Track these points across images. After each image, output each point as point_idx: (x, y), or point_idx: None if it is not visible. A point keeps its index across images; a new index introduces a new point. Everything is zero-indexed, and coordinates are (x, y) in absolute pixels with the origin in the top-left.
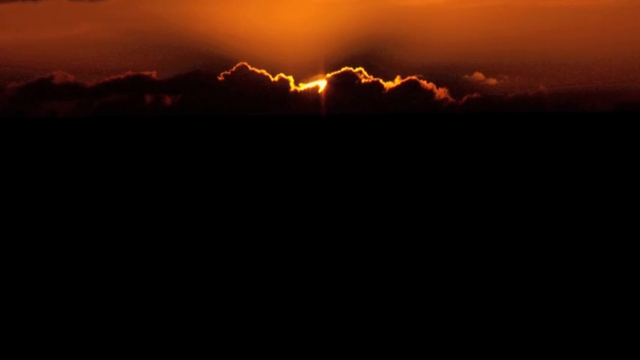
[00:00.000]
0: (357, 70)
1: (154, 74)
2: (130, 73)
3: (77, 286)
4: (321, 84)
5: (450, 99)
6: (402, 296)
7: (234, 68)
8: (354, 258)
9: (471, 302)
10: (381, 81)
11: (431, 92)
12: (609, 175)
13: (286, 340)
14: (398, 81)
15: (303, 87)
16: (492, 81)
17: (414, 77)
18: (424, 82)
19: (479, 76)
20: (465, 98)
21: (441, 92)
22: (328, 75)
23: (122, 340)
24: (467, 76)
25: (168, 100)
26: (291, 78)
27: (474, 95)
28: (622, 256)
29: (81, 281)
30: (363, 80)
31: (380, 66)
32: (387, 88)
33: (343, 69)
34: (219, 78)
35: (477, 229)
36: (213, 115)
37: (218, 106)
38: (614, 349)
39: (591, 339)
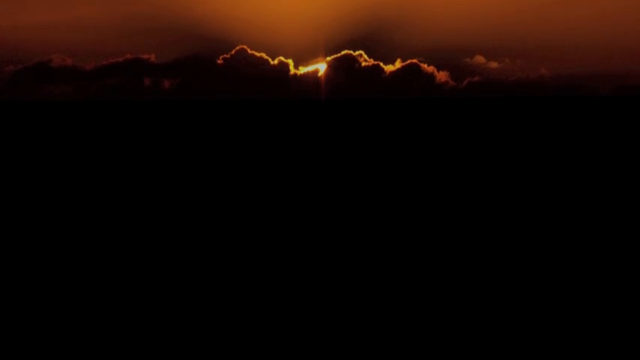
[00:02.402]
0: (357, 53)
1: (152, 57)
2: (128, 56)
3: (75, 273)
4: (321, 67)
5: (451, 82)
6: (404, 287)
7: (233, 51)
8: (353, 244)
9: (473, 295)
10: (381, 64)
11: (432, 76)
12: (611, 160)
13: (286, 340)
14: (398, 64)
15: (302, 70)
16: (493, 64)
17: (414, 60)
18: (425, 66)
19: (480, 59)
20: (465, 82)
21: (441, 75)
22: (328, 58)
23: (122, 338)
24: (468, 60)
25: (166, 84)
26: (290, 61)
27: (475, 79)
28: (624, 240)
29: (79, 267)
30: (364, 64)
31: (380, 49)
32: (388, 72)
33: (343, 52)
34: (219, 61)
35: (477, 213)
36: (212, 99)
37: (217, 90)
38: (614, 349)
39: (591, 339)
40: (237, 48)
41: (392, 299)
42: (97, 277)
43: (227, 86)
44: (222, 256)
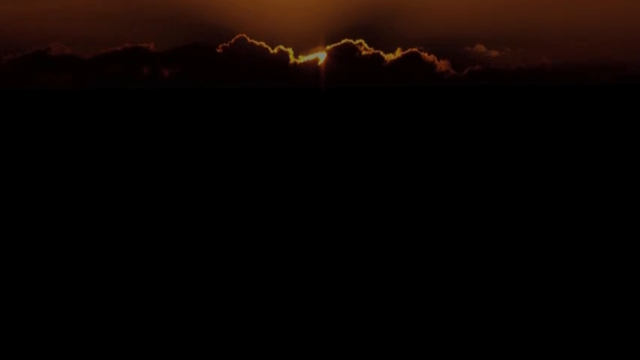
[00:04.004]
0: (357, 42)
1: (151, 46)
2: (127, 44)
3: (74, 260)
4: (320, 56)
5: (452, 71)
6: (404, 280)
7: (232, 40)
8: (352, 235)
9: (475, 289)
10: (381, 53)
11: (432, 64)
12: (612, 149)
13: (286, 339)
14: (399, 53)
15: (302, 59)
16: (494, 53)
17: (414, 49)
18: (425, 54)
19: (480, 48)
20: (466, 70)
21: (442, 64)
22: (328, 47)
23: (122, 339)
24: (468, 48)
25: (166, 73)
26: (290, 50)
27: (476, 67)
28: (627, 229)
29: (79, 254)
30: (364, 52)
31: (380, 38)
32: (388, 61)
33: (343, 41)
34: (218, 50)
35: (476, 201)
36: (212, 88)
37: (216, 79)
38: (614, 349)
39: (591, 339)
40: (236, 37)
41: (391, 294)
42: (94, 265)
43: (226, 75)
44: (222, 245)
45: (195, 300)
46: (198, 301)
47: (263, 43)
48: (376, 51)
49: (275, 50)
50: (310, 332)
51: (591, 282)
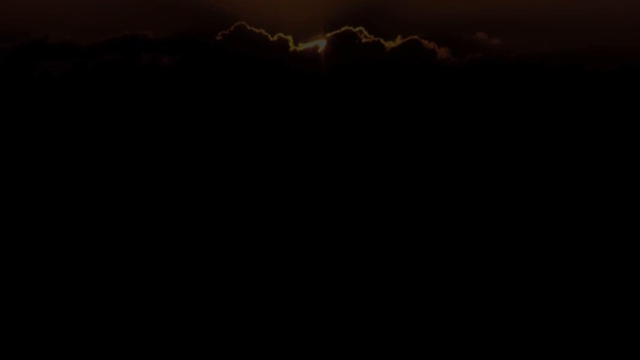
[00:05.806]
0: (357, 29)
1: (150, 34)
2: (126, 32)
3: (74, 247)
4: (320, 44)
5: (452, 59)
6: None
7: (232, 27)
8: (355, 218)
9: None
10: (381, 40)
11: (432, 52)
12: (614, 137)
13: (285, 338)
14: (399, 41)
15: (302, 47)
16: (495, 40)
17: (415, 37)
18: (425, 42)
19: (482, 35)
20: (467, 58)
21: (442, 52)
22: (328, 34)
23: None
24: (469, 36)
25: (165, 60)
26: (290, 38)
27: (477, 55)
28: (627, 217)
29: (80, 245)
30: (364, 40)
31: (381, 25)
32: (388, 48)
33: (343, 28)
34: (217, 37)
35: (477, 191)
36: (211, 75)
37: (216, 66)
38: (614, 349)
39: (591, 335)
40: (236, 24)
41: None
42: (94, 255)
43: (226, 62)
44: (226, 233)
45: (186, 279)
46: (190, 279)
47: (262, 31)
48: (376, 38)
49: (275, 38)
50: (309, 330)
51: (591, 274)
